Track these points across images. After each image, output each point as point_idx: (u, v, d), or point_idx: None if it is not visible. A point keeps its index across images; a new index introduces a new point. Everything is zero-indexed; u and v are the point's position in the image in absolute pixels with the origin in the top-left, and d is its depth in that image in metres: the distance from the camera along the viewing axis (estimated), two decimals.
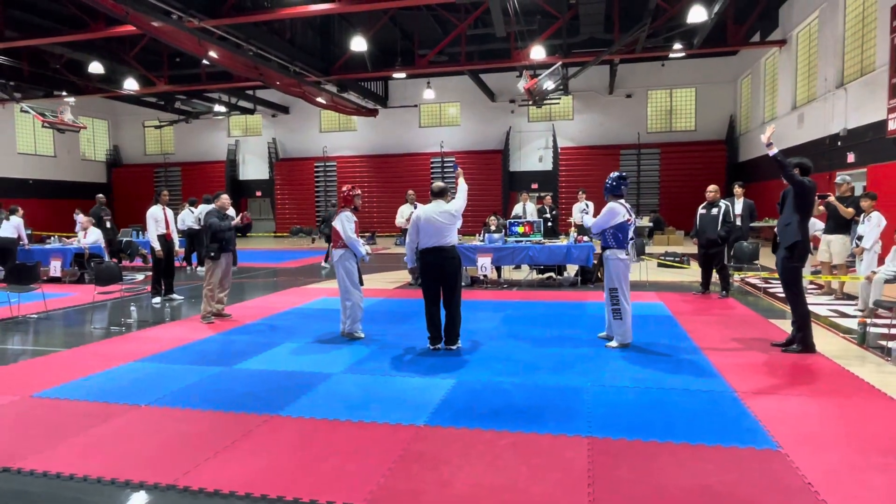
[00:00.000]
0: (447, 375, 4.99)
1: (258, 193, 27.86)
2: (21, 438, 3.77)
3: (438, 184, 6.01)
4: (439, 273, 5.76)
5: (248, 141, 28.09)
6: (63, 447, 3.61)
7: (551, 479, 3.10)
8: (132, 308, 7.73)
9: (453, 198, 5.96)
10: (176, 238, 9.27)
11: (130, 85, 19.58)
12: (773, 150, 5.41)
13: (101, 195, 13.79)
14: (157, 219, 8.90)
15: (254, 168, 28.06)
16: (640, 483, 3.05)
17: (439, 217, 5.73)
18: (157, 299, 9.04)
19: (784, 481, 3.05)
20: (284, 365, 5.42)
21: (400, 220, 10.45)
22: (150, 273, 9.42)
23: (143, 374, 5.16)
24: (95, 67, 17.69)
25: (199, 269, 13.48)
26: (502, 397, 4.43)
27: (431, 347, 5.89)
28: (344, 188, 6.65)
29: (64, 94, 20.95)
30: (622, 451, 3.44)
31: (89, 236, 12.12)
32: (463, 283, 10.10)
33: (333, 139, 26.86)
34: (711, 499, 2.88)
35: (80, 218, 17.75)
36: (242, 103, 25.40)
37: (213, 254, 7.41)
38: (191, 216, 13.37)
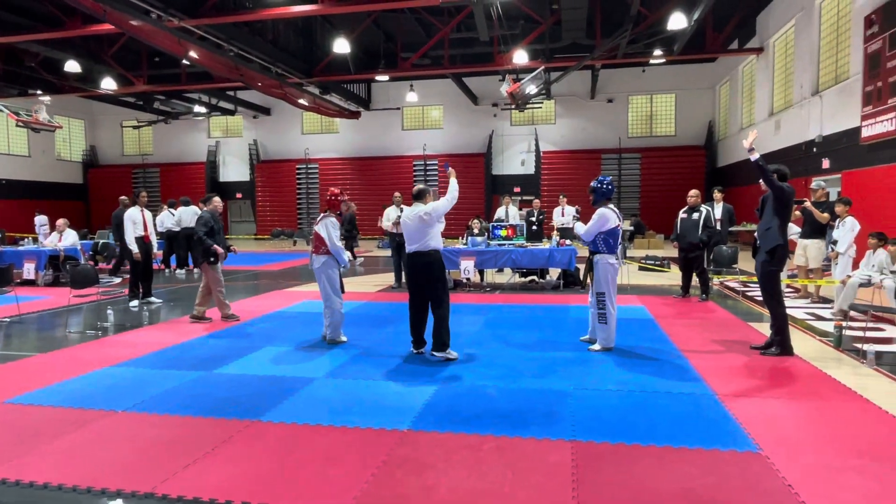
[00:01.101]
0: (430, 380, 4.97)
1: (238, 195, 27.57)
2: None
3: (418, 186, 5.91)
4: (417, 278, 5.70)
5: (228, 142, 27.79)
6: (36, 455, 3.52)
7: (535, 484, 3.10)
8: (109, 311, 7.59)
9: (437, 199, 5.86)
10: (154, 240, 9.13)
11: (108, 84, 19.25)
12: (755, 156, 5.48)
13: (124, 197, 13.37)
14: (136, 221, 8.75)
15: (234, 170, 27.77)
16: (624, 487, 3.06)
17: (411, 220, 5.67)
18: (135, 302, 8.89)
19: (764, 484, 3.08)
20: (265, 369, 5.35)
21: (386, 222, 10.40)
22: (128, 276, 9.27)
23: (120, 378, 5.06)
24: (72, 66, 17.37)
25: (177, 271, 13.29)
26: (485, 401, 4.42)
27: (414, 351, 5.86)
28: (332, 190, 6.53)
29: (39, 92, 20.55)
30: (606, 455, 3.45)
31: (65, 239, 11.90)
32: None
33: (315, 141, 26.71)
34: (695, 499, 2.90)
35: (41, 219, 17.44)
36: (223, 104, 25.14)
37: (212, 259, 7.41)
38: (170, 218, 13.18)
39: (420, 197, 5.79)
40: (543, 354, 5.77)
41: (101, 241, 13.19)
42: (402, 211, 10.09)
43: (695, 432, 3.75)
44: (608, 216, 5.84)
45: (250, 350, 6.04)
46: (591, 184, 6.07)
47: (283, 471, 3.29)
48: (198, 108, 24.52)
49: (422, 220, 5.58)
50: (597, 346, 5.93)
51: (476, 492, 3.02)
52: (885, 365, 5.27)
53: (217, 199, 7.92)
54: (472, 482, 3.12)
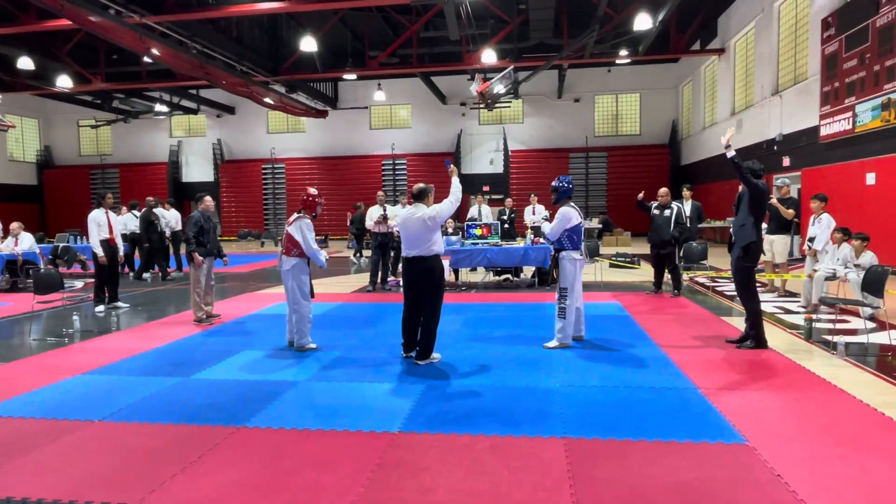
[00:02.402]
0: (416, 380, 4.93)
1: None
2: None
3: (418, 185, 5.59)
4: (416, 283, 5.42)
5: (191, 142, 27.15)
6: (10, 468, 3.35)
7: (532, 482, 3.10)
8: (75, 317, 7.30)
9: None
10: (120, 243, 8.83)
11: (63, 82, 18.60)
12: (732, 153, 5.60)
13: (150, 198, 13.05)
14: (100, 223, 8.45)
15: (198, 170, 27.15)
16: (620, 482, 3.09)
17: (412, 223, 5.37)
18: (101, 307, 8.59)
19: (755, 474, 3.15)
20: (245, 374, 5.22)
21: (369, 222, 10.27)
22: (91, 280, 8.95)
23: (94, 387, 4.87)
24: (25, 63, 16.71)
25: (144, 275, 12.91)
26: (474, 400, 4.41)
27: (403, 355, 5.64)
28: (309, 191, 6.35)
29: None
30: (598, 450, 3.47)
31: (21, 242, 11.42)
32: None
33: (282, 141, 26.31)
34: (690, 494, 2.94)
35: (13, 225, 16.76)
36: (185, 103, 24.55)
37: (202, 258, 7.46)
38: (133, 220, 12.79)
39: (421, 197, 5.49)
40: (526, 352, 5.79)
41: (62, 245, 12.68)
42: (384, 210, 10.05)
43: (682, 426, 3.82)
44: (570, 214, 5.96)
45: (228, 354, 5.90)
46: (553, 183, 6.18)
47: (274, 478, 3.21)
48: (159, 107, 23.88)
49: (425, 225, 5.30)
50: (553, 343, 5.95)
51: (475, 492, 3.00)
52: (854, 355, 5.46)
53: (209, 199, 7.77)
54: (469, 483, 3.11)
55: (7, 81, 19.54)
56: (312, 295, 6.23)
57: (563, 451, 3.47)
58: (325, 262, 6.25)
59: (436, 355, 5.55)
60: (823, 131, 12.32)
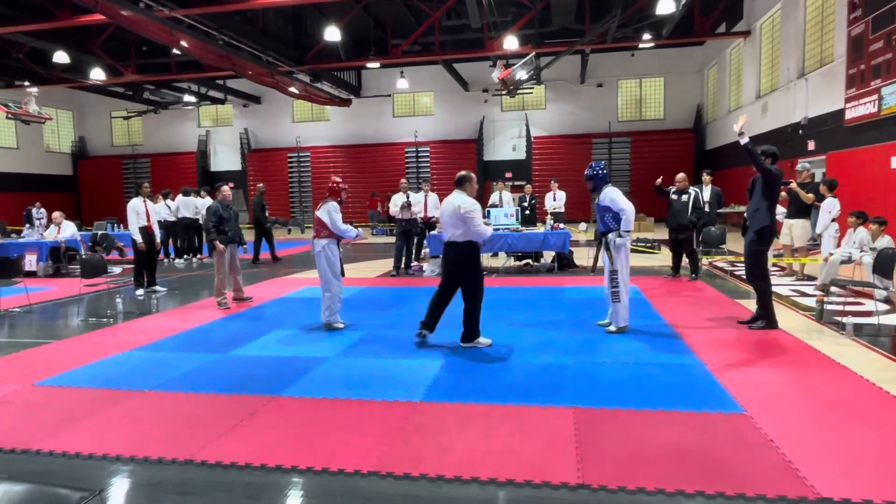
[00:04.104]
0: (436, 357, 5.24)
1: (230, 185, 27.49)
2: (33, 423, 3.91)
3: (460, 173, 5.71)
4: (448, 265, 5.69)
5: (219, 131, 27.77)
6: (77, 430, 3.77)
7: (542, 444, 3.39)
8: (118, 300, 7.80)
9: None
10: (157, 230, 9.31)
11: (97, 75, 19.21)
12: (745, 139, 5.69)
13: (261, 184, 14.05)
14: (139, 211, 8.92)
15: (225, 159, 27.78)
16: (622, 444, 3.37)
17: (446, 209, 5.55)
18: (140, 291, 9.08)
19: (749, 439, 3.39)
20: (278, 351, 5.61)
21: (393, 208, 10.62)
22: (129, 266, 9.46)
23: (141, 362, 5.30)
24: (60, 57, 17.31)
25: (177, 261, 13.47)
26: (490, 375, 4.71)
27: (417, 332, 5.71)
28: (334, 179, 6.77)
29: (27, 83, 20.44)
30: (604, 418, 3.75)
31: (64, 230, 12.03)
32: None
33: (307, 129, 26.75)
34: (686, 455, 3.21)
35: (39, 212, 17.55)
36: (213, 93, 25.09)
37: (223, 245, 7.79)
38: (166, 208, 13.33)
39: (461, 184, 5.62)
40: (542, 333, 6.05)
41: (100, 233, 13.29)
42: (408, 197, 10.38)
43: (686, 398, 4.06)
44: (621, 193, 5.96)
45: (261, 333, 6.29)
46: (587, 172, 6.16)
47: (308, 438, 3.56)
48: (187, 98, 24.47)
49: (457, 213, 5.44)
50: (612, 328, 6.01)
51: (488, 451, 3.31)
52: (864, 336, 5.61)
53: (226, 188, 8.17)
54: (484, 444, 3.42)
55: (42, 75, 20.25)
56: (343, 274, 6.63)
57: (572, 418, 3.75)
58: (356, 235, 6.63)
59: (485, 340, 5.63)
60: (849, 114, 12.21)
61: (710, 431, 3.51)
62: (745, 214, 6.15)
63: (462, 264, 5.55)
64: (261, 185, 13.86)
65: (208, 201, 13.54)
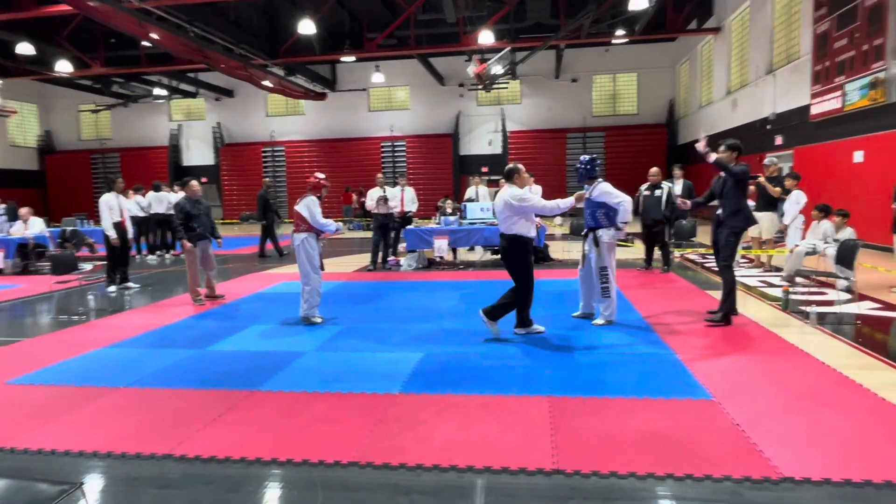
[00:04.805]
0: (415, 349, 5.30)
1: (203, 180, 27.03)
2: (5, 422, 3.86)
3: (508, 166, 5.70)
4: (502, 256, 5.86)
5: (191, 125, 27.31)
6: (52, 427, 3.73)
7: (518, 432, 3.48)
8: (90, 297, 7.67)
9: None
10: (130, 226, 9.17)
11: (63, 67, 18.73)
12: (712, 157, 5.77)
13: (267, 178, 14.01)
14: (112, 206, 8.77)
15: (198, 153, 27.34)
16: (595, 431, 3.47)
17: (498, 203, 5.64)
18: (112, 288, 8.94)
19: (716, 424, 3.52)
20: (256, 346, 5.60)
21: (370, 202, 10.61)
22: (100, 262, 9.31)
23: (117, 358, 5.25)
24: (24, 48, 16.83)
25: (149, 257, 13.28)
26: (469, 366, 4.78)
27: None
28: (316, 175, 6.78)
29: None
30: (579, 407, 3.85)
31: (31, 227, 11.76)
32: (420, 265, 10.53)
33: (281, 123, 26.48)
34: (656, 440, 3.32)
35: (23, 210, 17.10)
36: (184, 86, 24.67)
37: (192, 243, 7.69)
38: (136, 205, 13.10)
39: (510, 177, 5.60)
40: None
41: (70, 229, 13.02)
42: (384, 191, 10.39)
43: (657, 386, 4.19)
44: (612, 186, 5.99)
45: (238, 329, 6.27)
46: (578, 167, 6.23)
47: (287, 432, 3.59)
48: (158, 91, 24.01)
49: (508, 205, 5.45)
50: (600, 321, 6.07)
51: (466, 441, 3.38)
52: (827, 324, 5.82)
53: (195, 182, 8.07)
54: (462, 433, 3.49)
55: (7, 67, 19.67)
56: (322, 268, 6.63)
57: (548, 407, 3.85)
58: (336, 230, 6.66)
59: (539, 328, 5.77)
60: (814, 110, 12.56)
61: (680, 417, 3.63)
62: (719, 212, 6.10)
63: (508, 256, 5.66)
64: (266, 179, 13.86)
65: (181, 196, 13.39)
